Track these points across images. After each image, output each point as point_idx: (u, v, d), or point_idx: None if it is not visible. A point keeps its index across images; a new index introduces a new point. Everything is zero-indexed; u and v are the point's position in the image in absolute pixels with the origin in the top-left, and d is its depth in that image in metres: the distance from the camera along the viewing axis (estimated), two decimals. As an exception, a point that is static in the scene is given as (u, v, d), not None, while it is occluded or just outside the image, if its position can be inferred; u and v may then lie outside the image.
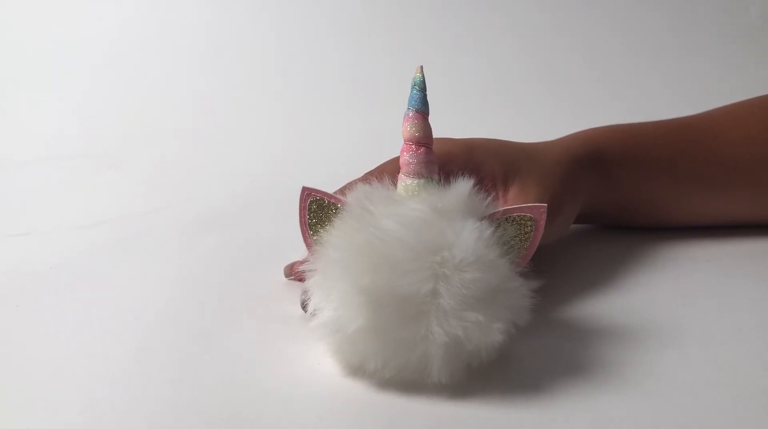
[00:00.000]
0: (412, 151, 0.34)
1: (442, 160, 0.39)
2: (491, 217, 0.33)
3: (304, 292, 0.35)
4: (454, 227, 0.30)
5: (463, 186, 0.32)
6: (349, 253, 0.30)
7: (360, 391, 0.31)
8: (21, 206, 0.67)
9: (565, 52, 1.01)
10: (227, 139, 0.90)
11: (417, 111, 0.34)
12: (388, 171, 0.38)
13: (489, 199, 0.33)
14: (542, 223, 0.34)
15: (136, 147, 0.88)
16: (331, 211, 0.35)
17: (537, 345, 0.34)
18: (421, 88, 0.34)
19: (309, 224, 0.35)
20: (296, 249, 0.42)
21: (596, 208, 0.48)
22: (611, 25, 1.02)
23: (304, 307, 0.37)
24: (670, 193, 0.49)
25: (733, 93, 0.54)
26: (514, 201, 0.41)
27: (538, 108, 0.94)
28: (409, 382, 0.30)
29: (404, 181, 0.34)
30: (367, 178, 0.39)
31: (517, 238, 0.34)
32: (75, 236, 0.56)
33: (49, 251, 0.52)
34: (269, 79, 1.01)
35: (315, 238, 0.35)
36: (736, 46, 0.98)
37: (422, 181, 0.33)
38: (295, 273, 0.43)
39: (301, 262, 0.42)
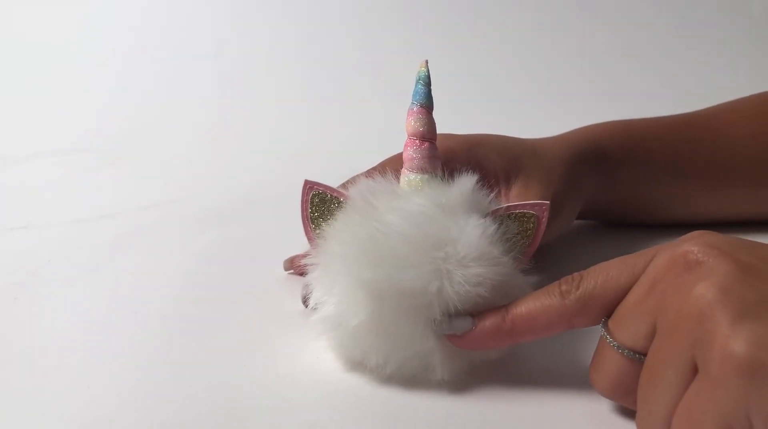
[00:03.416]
0: (415, 145, 0.33)
1: (444, 157, 0.38)
2: (494, 214, 0.33)
3: (305, 286, 0.35)
4: (457, 223, 0.30)
5: (467, 182, 0.32)
6: (352, 247, 0.30)
7: (360, 385, 0.31)
8: (20, 200, 0.67)
9: (568, 50, 1.01)
10: (228, 134, 0.90)
11: (421, 106, 0.34)
12: (391, 167, 0.38)
13: (492, 195, 0.33)
14: (544, 220, 0.33)
15: (136, 142, 0.88)
16: (334, 205, 0.35)
17: (538, 341, 0.34)
18: (426, 82, 0.34)
19: (311, 218, 0.35)
20: (297, 244, 0.42)
21: (598, 204, 0.48)
22: (614, 22, 1.02)
23: (305, 302, 0.36)
24: (672, 190, 0.49)
25: (735, 90, 0.54)
26: (517, 198, 0.40)
27: (540, 104, 0.93)
28: (409, 377, 0.30)
29: (407, 176, 0.33)
30: (370, 173, 0.39)
31: (520, 235, 0.33)
32: (74, 230, 0.56)
33: (48, 245, 0.52)
34: (271, 74, 1.01)
35: (317, 232, 0.35)
36: (739, 43, 0.98)
37: (426, 176, 0.33)
38: (295, 267, 0.43)
39: (302, 256, 0.42)
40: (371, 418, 0.28)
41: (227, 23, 1.06)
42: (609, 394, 0.27)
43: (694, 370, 0.22)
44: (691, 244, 0.24)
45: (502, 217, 0.33)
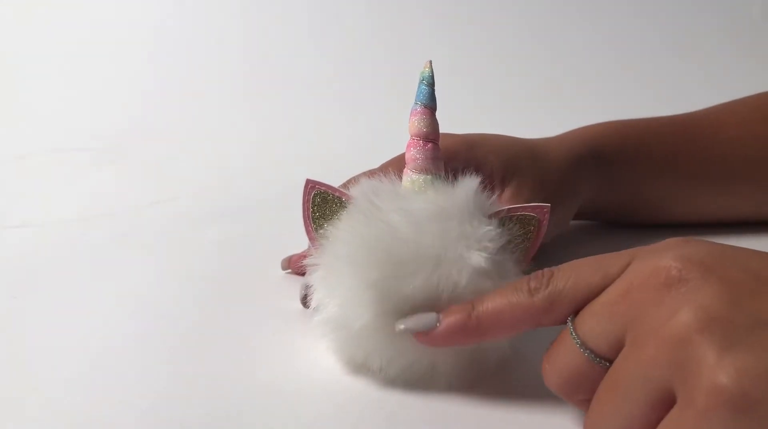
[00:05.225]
0: (419, 146, 0.33)
1: (444, 156, 0.38)
2: (496, 216, 0.32)
3: (305, 286, 0.34)
4: (462, 224, 0.30)
5: (470, 183, 0.32)
6: (357, 247, 0.29)
7: (359, 386, 0.31)
8: (20, 198, 0.66)
9: (568, 50, 1.01)
10: (229, 133, 0.90)
11: (425, 106, 0.34)
12: (394, 168, 0.38)
13: (494, 197, 0.33)
14: (545, 222, 0.33)
15: (136, 141, 0.87)
16: (335, 205, 0.34)
17: (539, 341, 0.34)
18: (430, 83, 0.34)
19: (312, 218, 0.35)
20: (298, 243, 0.42)
21: (597, 205, 0.48)
22: (615, 23, 1.02)
23: (304, 302, 0.36)
24: (671, 190, 0.49)
25: (735, 91, 0.55)
26: (509, 200, 0.40)
27: (541, 104, 0.94)
28: (411, 381, 0.30)
29: (410, 177, 0.33)
30: (371, 174, 0.39)
31: (522, 237, 0.33)
32: (73, 229, 0.56)
33: (48, 244, 0.52)
34: (273, 73, 1.01)
35: (319, 231, 0.34)
36: (739, 44, 0.99)
37: (429, 177, 0.33)
38: (293, 266, 0.43)
39: (300, 256, 0.41)
40: (370, 416, 0.28)
41: (229, 23, 1.05)
42: (557, 388, 0.26)
43: (668, 394, 0.21)
44: (673, 258, 0.22)
45: (503, 218, 0.33)
